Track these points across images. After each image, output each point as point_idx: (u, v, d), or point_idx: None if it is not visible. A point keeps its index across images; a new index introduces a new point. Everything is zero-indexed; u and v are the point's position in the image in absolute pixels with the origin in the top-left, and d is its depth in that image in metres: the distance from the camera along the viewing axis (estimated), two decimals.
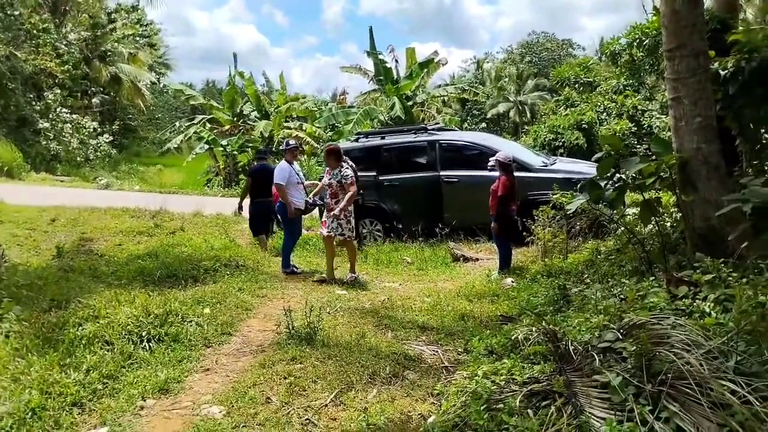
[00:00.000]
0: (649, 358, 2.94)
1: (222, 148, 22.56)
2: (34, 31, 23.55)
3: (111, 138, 28.14)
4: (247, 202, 9.82)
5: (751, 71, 5.19)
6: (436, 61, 25.27)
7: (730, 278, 3.95)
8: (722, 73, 5.37)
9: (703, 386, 2.65)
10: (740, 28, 5.99)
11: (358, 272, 7.87)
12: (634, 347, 3.07)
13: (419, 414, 3.63)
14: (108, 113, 32.83)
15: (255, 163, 11.00)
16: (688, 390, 2.66)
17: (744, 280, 3.85)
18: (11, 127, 23.12)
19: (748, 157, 5.71)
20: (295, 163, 8.36)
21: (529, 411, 2.97)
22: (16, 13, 22.31)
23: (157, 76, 37.13)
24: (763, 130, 5.67)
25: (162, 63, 43.26)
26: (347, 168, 7.56)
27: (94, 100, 30.75)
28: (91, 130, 26.47)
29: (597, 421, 2.73)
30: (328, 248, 7.81)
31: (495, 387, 3.38)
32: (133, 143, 37.08)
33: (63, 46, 26.05)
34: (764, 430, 2.45)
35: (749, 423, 2.46)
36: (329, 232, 7.59)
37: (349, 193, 7.43)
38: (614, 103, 20.69)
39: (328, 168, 7.72)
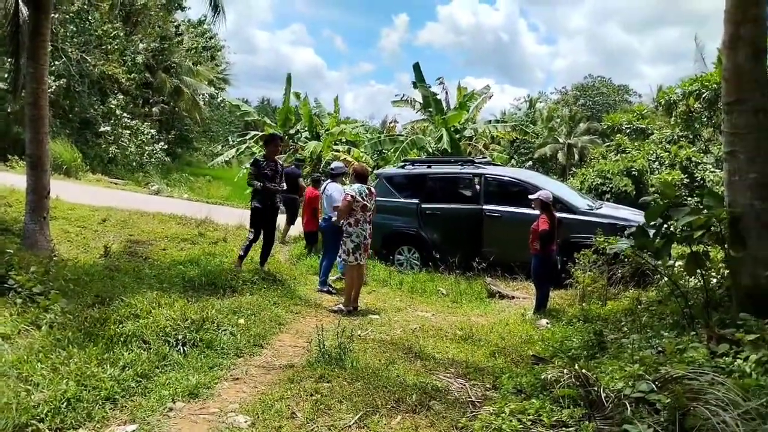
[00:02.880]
0: (683, 412, 2.87)
1: None
2: (105, 38, 24.63)
3: (166, 146, 29.07)
4: None
5: None
6: (483, 95, 25.36)
7: None
8: None
9: None
10: None
11: (358, 305, 7.42)
12: (669, 400, 2.99)
13: None
14: (166, 122, 34.05)
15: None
16: None
17: None
18: (74, 128, 24.15)
19: None
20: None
21: None
22: (90, 19, 23.41)
23: (216, 91, 38.36)
24: None
25: (221, 78, 44.65)
26: (349, 186, 7.60)
27: (154, 108, 31.97)
28: (149, 137, 27.43)
29: None
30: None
31: (521, 426, 3.34)
32: (186, 153, 38.26)
33: (130, 55, 27.21)
34: None
35: None
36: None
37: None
38: (667, 153, 20.36)
39: None
